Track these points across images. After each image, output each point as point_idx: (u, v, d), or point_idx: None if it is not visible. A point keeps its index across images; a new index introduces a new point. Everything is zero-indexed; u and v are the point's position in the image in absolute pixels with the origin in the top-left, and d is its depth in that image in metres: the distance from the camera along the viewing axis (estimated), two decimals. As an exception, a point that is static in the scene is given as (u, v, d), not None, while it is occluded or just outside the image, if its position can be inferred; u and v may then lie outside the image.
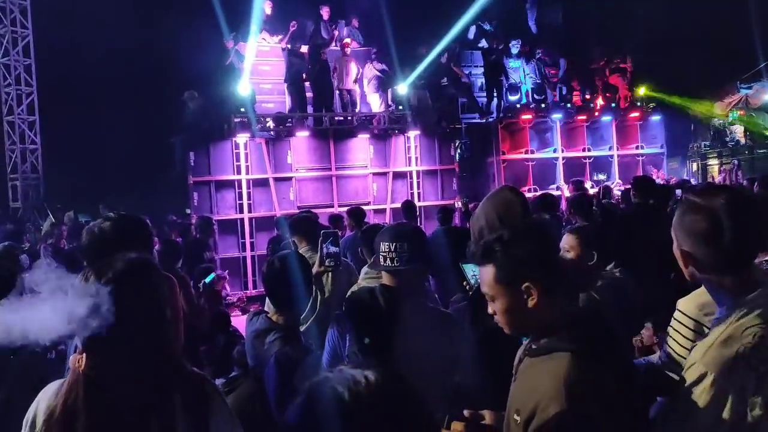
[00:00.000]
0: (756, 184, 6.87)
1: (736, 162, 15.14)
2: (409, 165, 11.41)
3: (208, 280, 4.69)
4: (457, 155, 12.56)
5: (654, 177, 11.71)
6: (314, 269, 3.11)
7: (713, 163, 16.48)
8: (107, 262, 1.44)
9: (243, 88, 10.46)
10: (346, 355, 2.11)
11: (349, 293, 3.02)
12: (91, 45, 12.94)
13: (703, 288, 2.00)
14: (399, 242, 2.16)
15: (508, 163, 12.33)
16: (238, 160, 10.21)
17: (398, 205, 11.21)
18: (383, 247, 2.20)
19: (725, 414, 1.39)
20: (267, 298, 2.73)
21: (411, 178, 11.43)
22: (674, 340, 1.97)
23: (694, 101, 15.95)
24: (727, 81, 16.93)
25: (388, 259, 2.18)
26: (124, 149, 13.08)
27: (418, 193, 11.41)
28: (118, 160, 13.44)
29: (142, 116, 13.04)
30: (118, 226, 2.08)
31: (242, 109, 10.36)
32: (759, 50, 15.62)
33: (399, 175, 11.35)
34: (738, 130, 16.39)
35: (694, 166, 16.59)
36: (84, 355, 1.37)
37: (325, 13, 12.14)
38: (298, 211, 9.91)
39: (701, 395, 1.42)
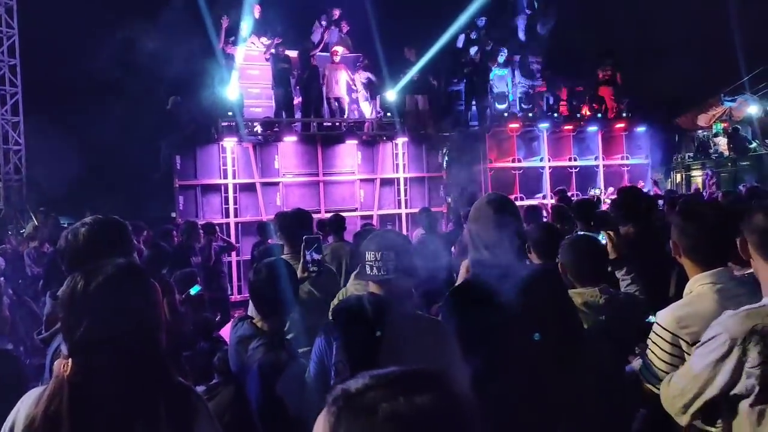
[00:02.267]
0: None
1: (709, 173, 15.40)
2: (397, 172, 11.43)
3: (193, 292, 4.67)
4: (445, 162, 12.59)
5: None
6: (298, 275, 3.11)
7: (697, 174, 16.67)
8: (97, 267, 1.43)
9: (231, 92, 10.43)
10: (333, 364, 2.09)
11: (335, 301, 3.00)
12: (78, 46, 12.81)
13: (682, 301, 2.03)
14: (385, 251, 2.15)
15: (495, 172, 12.39)
16: (224, 164, 10.17)
17: (386, 211, 11.28)
18: (369, 255, 2.18)
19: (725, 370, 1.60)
20: (252, 304, 2.71)
21: (398, 184, 11.45)
22: (653, 352, 1.99)
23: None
24: (711, 94, 17.16)
25: (374, 269, 2.16)
26: (109, 152, 12.96)
27: (405, 200, 11.44)
28: (104, 163, 13.31)
29: (129, 119, 12.92)
30: (95, 231, 2.04)
31: (230, 113, 10.32)
32: (742, 64, 15.86)
33: (386, 182, 11.37)
34: (722, 142, 16.60)
35: (678, 177, 16.77)
36: (69, 360, 1.36)
37: (336, 13, 12.26)
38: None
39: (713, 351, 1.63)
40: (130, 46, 10.44)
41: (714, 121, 16.78)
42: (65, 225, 9.42)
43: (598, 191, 12.46)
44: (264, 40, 11.69)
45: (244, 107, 11.03)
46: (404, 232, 11.23)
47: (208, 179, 10.11)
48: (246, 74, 11.60)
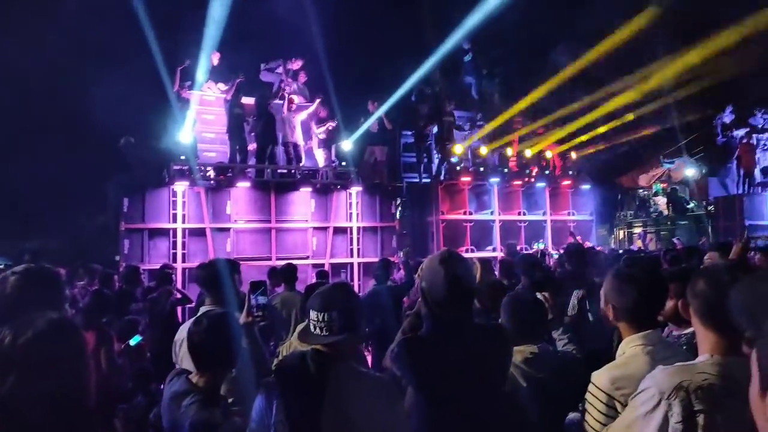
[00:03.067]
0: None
1: (642, 233, 16.13)
2: (350, 221, 11.45)
3: (133, 342, 4.50)
4: (398, 213, 12.73)
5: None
6: (241, 320, 3.02)
7: (637, 231, 17.40)
8: (26, 320, 1.40)
9: (185, 135, 10.35)
10: (273, 423, 2.03)
11: (277, 360, 2.93)
12: (25, 84, 12.54)
13: (616, 362, 2.08)
14: (328, 312, 2.13)
15: (447, 223, 12.58)
16: (174, 208, 9.97)
17: (338, 260, 11.22)
18: (313, 315, 2.16)
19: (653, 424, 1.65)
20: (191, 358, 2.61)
21: (351, 233, 11.45)
22: (589, 413, 2.03)
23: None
24: (651, 155, 18.11)
25: (318, 328, 2.14)
26: (53, 193, 12.53)
27: (358, 249, 11.42)
28: (46, 204, 12.83)
29: (76, 158, 12.60)
30: (26, 280, 1.96)
31: (183, 157, 10.20)
32: (678, 129, 16.88)
33: (339, 230, 11.36)
34: (661, 202, 17.42)
35: (621, 234, 17.44)
36: None
37: (296, 64, 12.45)
38: (234, 263, 9.71)
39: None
40: (81, 86, 10.27)
41: (654, 182, 17.65)
42: (1, 267, 8.97)
43: (542, 245, 12.77)
44: (221, 85, 11.74)
45: (198, 151, 10.95)
46: (356, 281, 11.18)
47: (157, 223, 9.87)
48: (201, 119, 11.57)
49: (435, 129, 13.71)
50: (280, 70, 12.77)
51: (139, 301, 5.86)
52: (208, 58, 11.36)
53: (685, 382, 1.63)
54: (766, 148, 15.91)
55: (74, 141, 12.77)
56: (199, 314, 2.65)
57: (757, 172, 15.37)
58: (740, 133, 15.93)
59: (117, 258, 9.95)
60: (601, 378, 2.02)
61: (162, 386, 4.20)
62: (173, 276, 6.89)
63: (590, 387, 2.04)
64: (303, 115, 11.80)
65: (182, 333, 3.01)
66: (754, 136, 15.85)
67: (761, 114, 16.03)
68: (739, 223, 14.47)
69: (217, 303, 3.23)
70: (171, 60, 10.39)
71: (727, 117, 16.58)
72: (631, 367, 1.99)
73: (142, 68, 10.43)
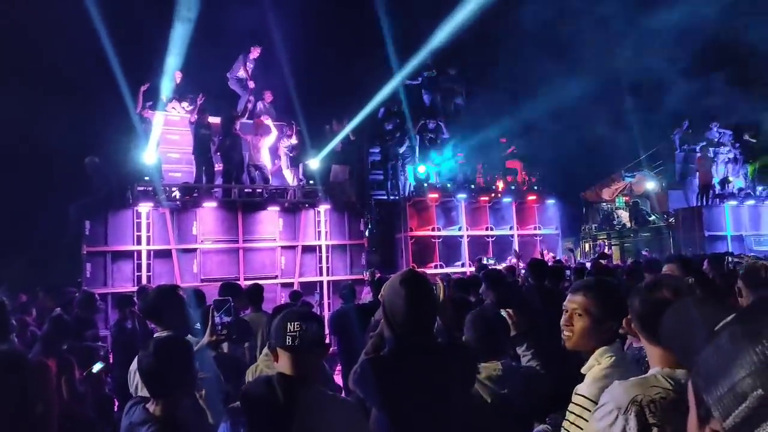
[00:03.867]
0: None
1: (602, 244, 16.48)
2: (319, 239, 11.41)
3: (95, 369, 4.38)
4: (367, 230, 12.74)
5: (546, 258, 12.42)
6: (204, 339, 2.98)
7: (569, 246, 17.78)
8: None
9: (149, 156, 10.21)
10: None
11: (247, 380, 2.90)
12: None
13: (599, 373, 2.07)
14: (308, 322, 2.13)
15: (416, 240, 12.64)
16: (138, 230, 9.80)
17: (307, 278, 11.15)
18: (291, 326, 2.15)
19: None
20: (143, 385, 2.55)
21: (320, 252, 11.41)
22: (575, 424, 1.99)
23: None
24: (613, 169, 18.57)
25: (297, 339, 2.12)
26: (12, 216, 12.18)
27: (327, 267, 11.38)
28: (5, 228, 12.45)
29: (36, 181, 12.31)
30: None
31: (146, 178, 10.06)
32: (639, 143, 17.38)
33: (308, 249, 11.30)
34: (624, 215, 17.85)
35: (587, 246, 17.78)
36: None
37: (254, 53, 12.42)
38: (201, 284, 9.56)
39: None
40: (40, 107, 10.07)
41: (616, 195, 18.08)
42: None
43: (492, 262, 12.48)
44: (185, 105, 11.65)
45: (163, 172, 10.81)
46: (326, 299, 11.12)
47: (120, 245, 9.68)
48: (166, 139, 11.44)
49: (402, 146, 13.83)
50: (241, 73, 12.69)
51: (96, 327, 5.72)
52: (171, 77, 11.28)
53: (639, 396, 1.66)
54: (723, 161, 16.48)
55: (34, 164, 12.47)
56: (147, 340, 2.60)
57: (715, 184, 15.88)
58: (698, 146, 16.46)
59: (79, 281, 9.71)
60: (590, 389, 2.00)
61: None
62: (134, 299, 6.75)
63: (578, 399, 2.02)
64: (270, 139, 11.76)
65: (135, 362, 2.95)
66: (710, 149, 16.40)
67: (716, 128, 16.61)
68: (699, 234, 14.91)
69: (168, 329, 3.16)
70: (133, 80, 10.28)
71: (685, 131, 17.13)
72: (616, 376, 1.99)
73: (104, 89, 10.29)
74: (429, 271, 10.68)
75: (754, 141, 16.74)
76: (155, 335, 2.97)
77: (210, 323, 2.97)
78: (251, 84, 12.60)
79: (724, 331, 0.66)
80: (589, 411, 1.94)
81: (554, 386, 2.89)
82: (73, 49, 11.04)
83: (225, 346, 3.97)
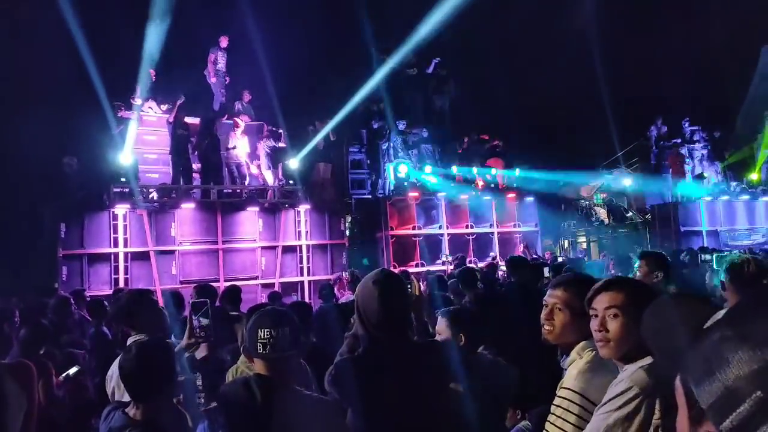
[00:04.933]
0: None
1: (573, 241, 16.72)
2: (299, 239, 11.38)
3: (72, 372, 4.34)
4: (348, 230, 12.72)
5: (523, 254, 12.58)
6: (183, 342, 2.97)
7: (582, 241, 17.96)
8: None
9: (125, 157, 10.09)
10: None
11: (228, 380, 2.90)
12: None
13: (585, 366, 2.08)
14: (281, 328, 2.14)
15: (397, 239, 12.67)
16: (115, 232, 9.68)
17: (288, 279, 11.11)
18: (262, 333, 2.15)
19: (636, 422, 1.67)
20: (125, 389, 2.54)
21: (300, 252, 11.37)
22: (562, 418, 1.97)
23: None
24: (590, 166, 18.77)
25: (268, 346, 2.13)
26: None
27: (308, 268, 11.35)
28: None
29: (8, 184, 12.08)
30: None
31: (123, 179, 9.93)
32: (616, 140, 17.60)
33: (288, 249, 11.26)
34: (602, 211, 18.05)
35: (566, 244, 17.94)
36: None
37: (223, 43, 12.40)
38: (180, 286, 9.48)
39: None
40: (12, 108, 9.89)
41: (594, 192, 18.26)
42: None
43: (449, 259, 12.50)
44: (164, 106, 11.55)
45: (140, 173, 10.68)
46: (308, 299, 11.09)
47: (97, 248, 9.55)
48: (142, 139, 11.32)
49: (384, 145, 13.83)
50: (220, 65, 12.60)
51: (71, 331, 5.64)
52: (147, 76, 11.17)
53: (662, 378, 1.66)
54: (697, 157, 16.77)
55: (8, 166, 12.23)
56: (128, 344, 2.59)
57: (690, 180, 16.15)
58: (671, 143, 16.73)
59: (56, 285, 9.56)
60: (577, 382, 2.00)
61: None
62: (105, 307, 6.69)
63: (564, 393, 2.00)
64: (247, 139, 11.69)
65: (114, 368, 2.93)
66: (685, 146, 16.68)
67: (687, 125, 16.90)
68: (675, 230, 15.15)
69: (142, 333, 3.15)
70: (107, 80, 10.13)
71: (660, 128, 17.39)
72: (601, 371, 1.99)
73: (78, 90, 10.14)
74: (411, 270, 10.70)
75: (723, 141, 17.08)
76: (134, 339, 2.94)
77: (188, 326, 2.96)
78: (227, 79, 12.53)
79: (714, 332, 0.65)
80: (577, 404, 1.94)
81: (533, 383, 2.94)
82: (47, 49, 10.87)
83: (204, 348, 3.95)
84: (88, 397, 5.02)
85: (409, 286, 2.51)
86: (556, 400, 2.02)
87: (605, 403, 1.76)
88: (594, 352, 2.02)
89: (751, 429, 0.58)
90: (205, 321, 2.97)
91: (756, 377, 0.58)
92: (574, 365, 2.08)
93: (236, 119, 11.64)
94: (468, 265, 9.79)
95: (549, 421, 2.01)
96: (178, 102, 10.83)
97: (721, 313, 0.68)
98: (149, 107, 11.52)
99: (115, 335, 6.03)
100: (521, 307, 4.66)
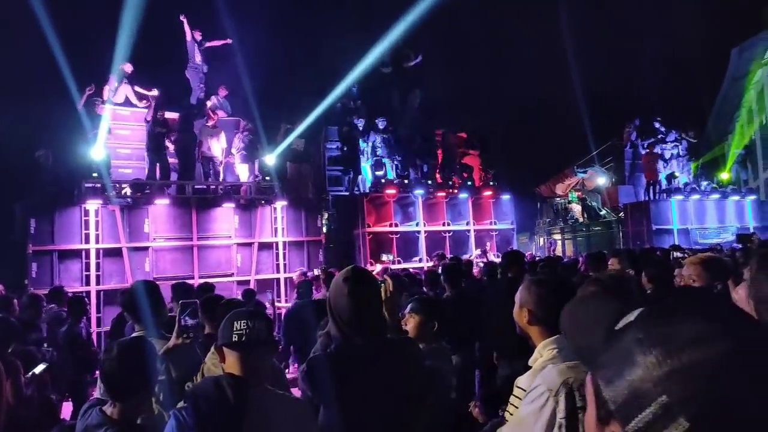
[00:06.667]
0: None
1: (551, 241, 16.93)
2: (275, 236, 11.31)
3: (38, 370, 4.26)
4: (325, 227, 12.69)
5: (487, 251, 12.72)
6: (170, 342, 2.94)
7: (557, 238, 18.20)
8: None
9: (97, 152, 9.91)
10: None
11: (191, 385, 2.86)
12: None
13: (537, 366, 2.13)
14: (257, 320, 2.12)
15: (374, 236, 12.67)
16: (87, 228, 9.51)
17: (264, 276, 11.04)
18: (238, 324, 2.13)
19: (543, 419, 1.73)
20: (104, 388, 2.50)
21: (277, 249, 11.31)
22: (511, 414, 2.05)
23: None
24: (565, 165, 19.02)
25: (244, 336, 2.11)
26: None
27: (284, 264, 11.29)
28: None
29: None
30: None
31: (95, 174, 9.75)
32: (591, 139, 17.86)
33: (265, 246, 11.19)
34: (576, 209, 18.31)
35: (541, 241, 18.18)
36: None
37: (197, 35, 12.28)
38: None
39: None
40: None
41: (569, 190, 18.51)
42: None
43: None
44: (142, 102, 11.37)
45: (112, 168, 10.51)
46: (283, 296, 11.04)
47: (67, 244, 9.38)
48: (115, 134, 11.12)
49: (362, 142, 13.82)
50: (198, 60, 12.46)
51: (40, 330, 5.53)
52: (119, 70, 10.98)
53: (570, 379, 1.72)
54: (669, 157, 17.08)
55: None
56: (109, 343, 2.55)
57: (662, 180, 16.46)
58: (645, 143, 17.01)
59: (25, 282, 9.37)
60: (528, 381, 2.03)
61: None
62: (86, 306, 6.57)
63: (517, 391, 2.06)
64: (223, 135, 11.58)
65: None
66: (658, 146, 16.98)
67: (659, 125, 17.20)
68: (647, 228, 15.43)
69: (144, 328, 3.17)
70: (80, 74, 9.94)
71: (634, 128, 17.68)
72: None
73: (49, 84, 9.93)
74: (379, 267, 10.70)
75: (694, 141, 17.42)
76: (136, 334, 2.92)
77: (176, 326, 2.93)
78: (204, 69, 12.40)
79: (626, 334, 0.65)
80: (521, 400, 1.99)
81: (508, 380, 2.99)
82: (19, 42, 10.64)
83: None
84: (52, 396, 4.93)
85: (381, 283, 2.51)
86: (511, 398, 2.08)
87: (527, 394, 1.84)
88: (554, 350, 2.05)
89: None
90: (191, 321, 2.95)
91: (662, 382, 0.58)
92: (534, 363, 2.13)
93: (211, 114, 11.51)
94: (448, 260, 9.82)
95: (505, 417, 2.08)
96: (154, 98, 10.68)
97: (635, 314, 0.68)
98: (125, 94, 11.29)
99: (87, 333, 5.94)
100: (507, 305, 4.72)
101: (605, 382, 0.65)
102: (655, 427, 0.58)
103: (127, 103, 11.49)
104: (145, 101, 11.20)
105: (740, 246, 10.77)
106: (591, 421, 0.68)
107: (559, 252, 16.75)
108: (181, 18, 12.32)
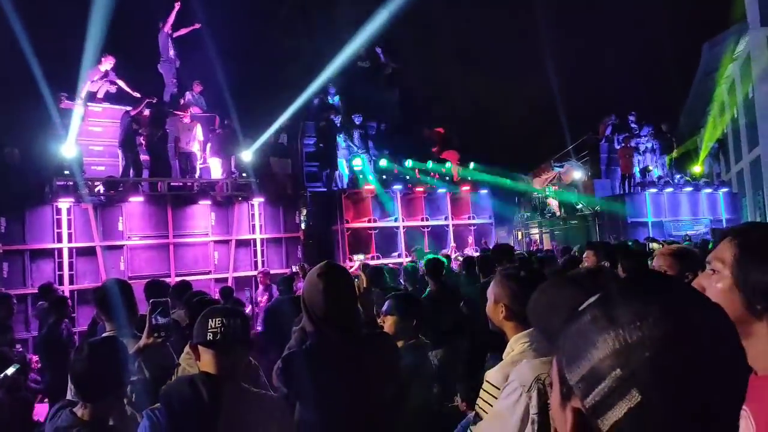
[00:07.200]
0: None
1: (529, 237, 17.10)
2: (253, 233, 11.21)
3: (9, 372, 4.16)
4: (303, 223, 12.62)
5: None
6: (141, 342, 2.89)
7: (534, 232, 18.36)
8: None
9: (68, 149, 9.71)
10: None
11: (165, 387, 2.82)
12: None
13: (508, 359, 2.14)
14: (232, 319, 2.09)
15: (352, 232, 12.64)
16: (59, 226, 9.32)
17: (242, 273, 10.94)
18: (213, 322, 2.09)
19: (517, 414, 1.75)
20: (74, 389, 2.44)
21: (255, 246, 11.22)
22: (483, 410, 2.06)
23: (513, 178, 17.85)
24: (543, 160, 19.19)
25: (219, 335, 2.08)
26: None
27: (262, 261, 11.21)
28: None
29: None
30: None
31: (66, 172, 9.56)
32: (567, 134, 18.04)
33: (242, 243, 11.09)
34: (554, 204, 18.47)
35: (520, 235, 18.32)
36: None
37: (167, 28, 12.07)
38: (129, 281, 9.20)
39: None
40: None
41: (547, 184, 18.67)
42: None
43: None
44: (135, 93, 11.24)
45: (85, 165, 10.31)
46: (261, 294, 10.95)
47: (39, 243, 9.18)
48: (87, 131, 10.91)
49: (339, 138, 13.76)
50: (171, 54, 12.29)
51: (11, 330, 5.41)
52: (92, 65, 10.76)
53: (542, 375, 1.73)
54: (643, 151, 17.31)
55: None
56: (80, 343, 2.49)
57: (636, 173, 16.69)
58: (620, 137, 17.22)
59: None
60: (496, 375, 2.04)
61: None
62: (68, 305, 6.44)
63: (485, 385, 2.06)
64: (198, 129, 11.43)
65: None
66: (632, 140, 17.19)
67: (634, 120, 17.43)
68: (622, 221, 15.64)
69: (116, 327, 3.09)
70: (51, 70, 9.72)
71: (610, 122, 17.88)
72: (524, 362, 2.04)
73: (19, 79, 9.70)
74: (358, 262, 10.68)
75: (669, 135, 17.68)
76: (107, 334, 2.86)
77: (147, 325, 2.88)
78: (177, 63, 12.24)
79: (585, 314, 0.69)
80: (491, 395, 2.00)
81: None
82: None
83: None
84: (26, 395, 4.84)
85: (356, 279, 2.50)
86: (481, 392, 2.08)
87: (503, 389, 1.86)
88: (526, 344, 2.05)
89: (610, 404, 0.62)
90: (163, 320, 2.89)
91: (617, 356, 0.63)
92: (508, 357, 2.12)
93: (186, 110, 11.36)
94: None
95: (475, 410, 2.09)
96: (146, 100, 10.56)
97: (595, 296, 0.71)
98: (106, 89, 11.07)
99: (69, 333, 5.81)
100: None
101: (566, 360, 0.69)
102: (611, 399, 0.62)
103: (108, 97, 11.25)
104: (137, 93, 11.05)
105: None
106: (555, 399, 0.72)
107: (542, 246, 16.89)
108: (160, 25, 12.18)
